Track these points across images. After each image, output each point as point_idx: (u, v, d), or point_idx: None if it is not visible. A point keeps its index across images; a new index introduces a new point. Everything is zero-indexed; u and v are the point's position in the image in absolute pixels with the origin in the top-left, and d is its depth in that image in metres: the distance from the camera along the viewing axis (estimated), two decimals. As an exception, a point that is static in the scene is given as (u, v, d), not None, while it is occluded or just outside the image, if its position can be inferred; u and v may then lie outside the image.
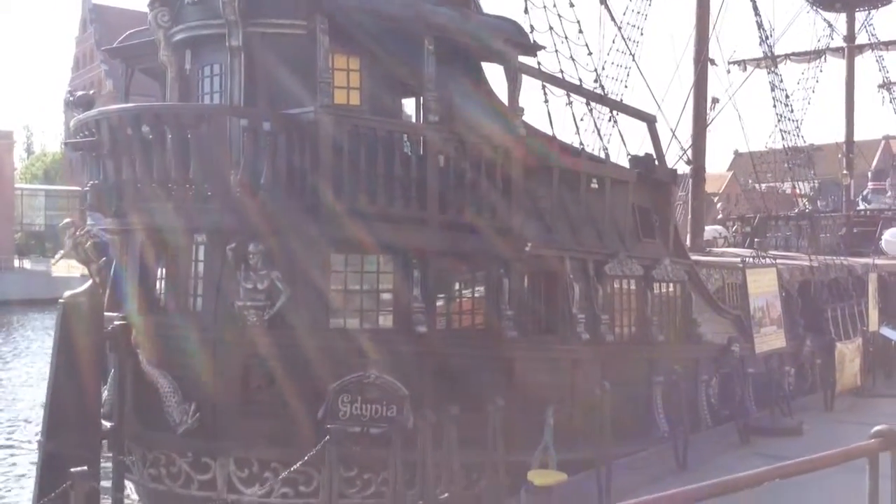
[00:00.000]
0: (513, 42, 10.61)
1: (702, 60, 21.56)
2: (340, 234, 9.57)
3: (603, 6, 15.13)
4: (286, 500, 9.64)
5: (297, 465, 9.53)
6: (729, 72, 29.69)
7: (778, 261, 19.60)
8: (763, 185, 30.14)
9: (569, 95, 12.10)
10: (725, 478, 3.81)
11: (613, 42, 20.80)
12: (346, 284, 9.92)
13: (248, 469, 9.65)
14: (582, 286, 11.47)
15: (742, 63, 32.09)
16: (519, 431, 10.17)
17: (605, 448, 8.77)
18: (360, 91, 10.43)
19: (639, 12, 21.41)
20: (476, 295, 10.76)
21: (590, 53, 12.69)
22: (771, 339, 12.76)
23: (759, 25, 22.90)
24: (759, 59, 31.59)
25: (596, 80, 12.75)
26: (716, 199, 34.19)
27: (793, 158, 23.09)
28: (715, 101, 28.65)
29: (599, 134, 12.34)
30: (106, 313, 10.44)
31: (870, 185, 37.11)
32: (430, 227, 9.95)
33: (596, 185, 12.18)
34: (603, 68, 22.62)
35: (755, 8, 22.38)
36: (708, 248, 22.55)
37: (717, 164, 56.66)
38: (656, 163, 13.03)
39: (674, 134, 21.03)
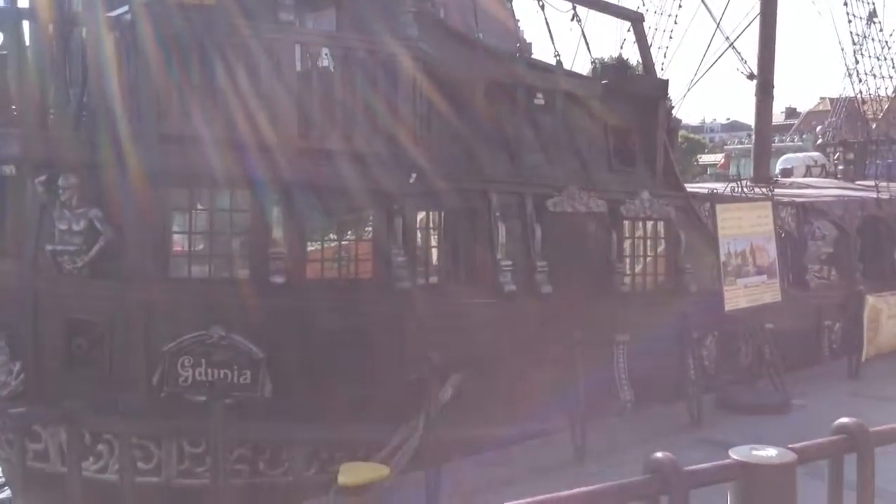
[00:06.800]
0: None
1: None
2: (178, 164, 7.91)
3: None
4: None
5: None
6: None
7: (841, 191, 16.45)
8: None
9: (507, -11, 9.78)
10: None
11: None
12: (190, 225, 8.28)
13: (80, 441, 8.31)
14: (512, 226, 9.34)
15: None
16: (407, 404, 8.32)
17: (435, 442, 6.74)
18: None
19: None
20: (364, 238, 8.87)
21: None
22: (755, 292, 10.14)
23: None
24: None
25: (557, -29, 10.27)
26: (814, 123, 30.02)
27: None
28: (872, 16, 23.79)
29: (550, 34, 9.90)
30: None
31: None
32: (286, 154, 8.07)
33: (542, 101, 9.89)
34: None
35: None
36: (776, 179, 19.39)
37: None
38: (633, 71, 10.50)
39: (728, 39, 18.03)
